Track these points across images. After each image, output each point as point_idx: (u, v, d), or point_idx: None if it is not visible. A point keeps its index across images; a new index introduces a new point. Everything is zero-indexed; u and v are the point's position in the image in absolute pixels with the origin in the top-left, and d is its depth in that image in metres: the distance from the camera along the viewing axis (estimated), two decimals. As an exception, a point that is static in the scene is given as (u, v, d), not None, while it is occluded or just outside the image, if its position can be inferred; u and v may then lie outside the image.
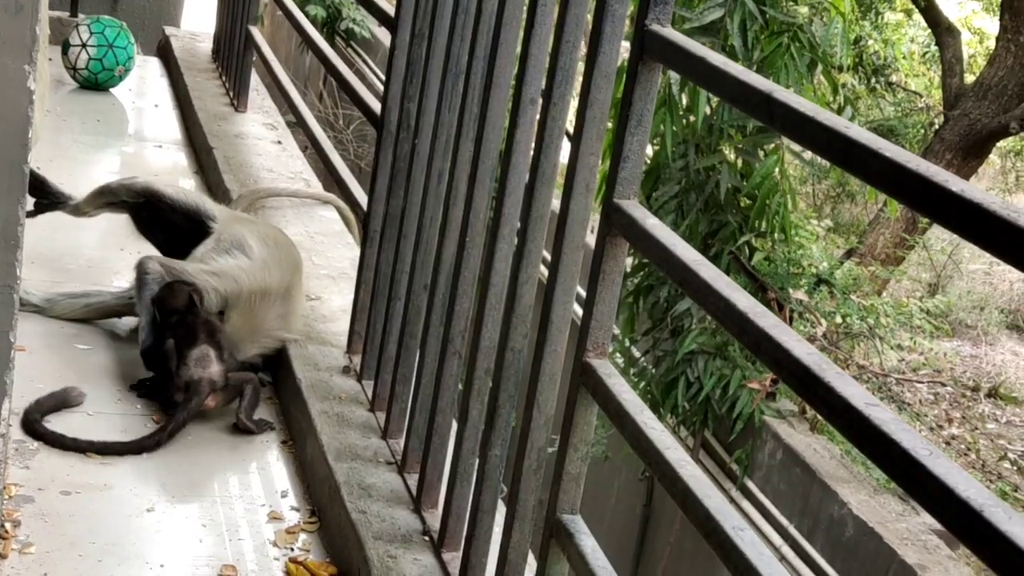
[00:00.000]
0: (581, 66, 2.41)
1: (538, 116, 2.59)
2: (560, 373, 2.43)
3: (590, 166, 2.35)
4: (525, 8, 2.75)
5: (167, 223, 4.12)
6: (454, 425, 2.94)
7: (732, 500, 7.62)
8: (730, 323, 1.88)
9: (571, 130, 2.40)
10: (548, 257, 2.44)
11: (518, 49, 2.82)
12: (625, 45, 2.29)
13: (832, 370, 1.68)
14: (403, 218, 3.39)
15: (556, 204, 2.43)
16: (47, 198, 4.29)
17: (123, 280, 4.19)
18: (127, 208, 4.19)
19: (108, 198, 4.21)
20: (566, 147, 2.46)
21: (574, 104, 2.45)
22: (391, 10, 3.72)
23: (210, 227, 4.02)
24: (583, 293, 2.28)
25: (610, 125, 2.58)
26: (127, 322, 4.00)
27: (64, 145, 5.64)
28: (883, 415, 1.57)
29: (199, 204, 4.16)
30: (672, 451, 2.03)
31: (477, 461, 2.74)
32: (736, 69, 1.95)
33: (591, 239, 2.30)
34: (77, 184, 4.52)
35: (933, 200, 1.50)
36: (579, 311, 2.29)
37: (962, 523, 1.40)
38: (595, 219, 2.51)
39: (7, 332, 2.22)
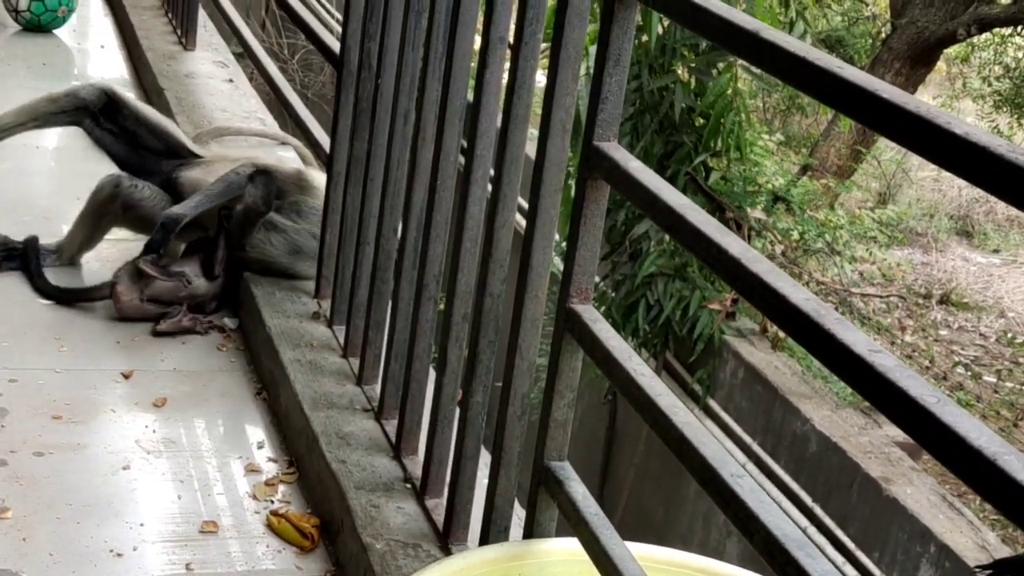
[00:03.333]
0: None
1: (509, 55, 2.53)
2: (542, 319, 2.40)
3: (566, 107, 2.30)
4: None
5: (131, 136, 4.03)
6: (431, 371, 2.91)
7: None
8: (722, 269, 1.85)
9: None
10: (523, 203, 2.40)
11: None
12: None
13: (831, 316, 1.65)
14: (368, 160, 3.33)
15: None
16: None
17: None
18: (79, 117, 4.06)
19: (50, 107, 4.07)
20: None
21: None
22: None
23: (191, 151, 4.01)
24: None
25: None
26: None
27: (10, 89, 5.50)
28: (887, 361, 1.54)
29: (171, 126, 4.10)
30: (664, 397, 2.01)
31: (458, 407, 2.71)
32: (719, 7, 1.90)
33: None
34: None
35: (935, 142, 1.47)
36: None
37: (975, 472, 1.38)
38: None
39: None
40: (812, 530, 6.72)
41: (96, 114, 4.03)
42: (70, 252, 4.01)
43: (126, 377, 3.42)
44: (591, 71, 2.18)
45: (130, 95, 4.09)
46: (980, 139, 1.40)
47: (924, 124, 1.48)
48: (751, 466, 7.41)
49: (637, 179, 2.07)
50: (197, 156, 4.06)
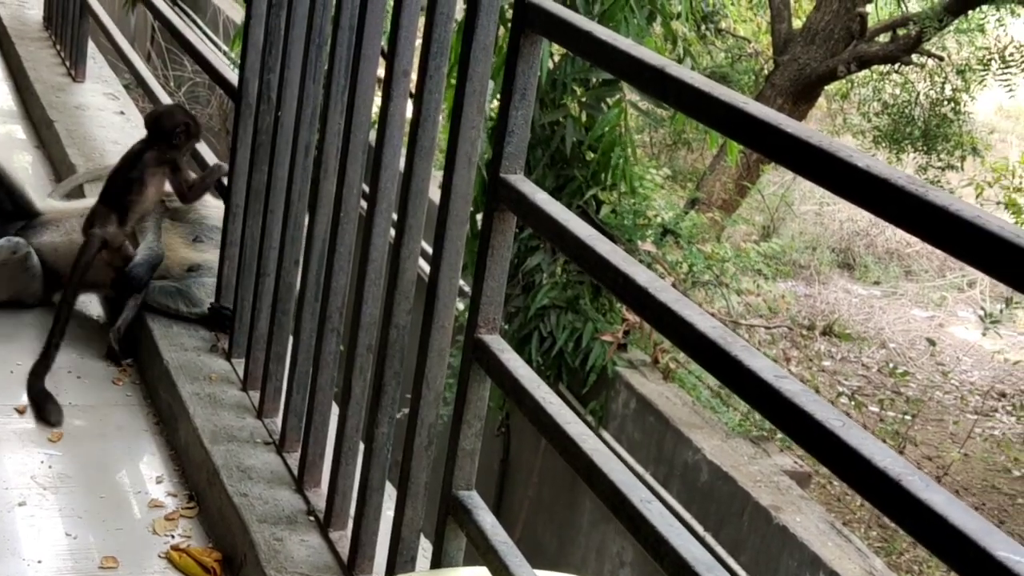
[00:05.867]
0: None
1: (412, 89, 2.56)
2: (448, 349, 2.42)
3: (472, 139, 2.34)
4: (393, -22, 2.70)
5: None
6: (334, 403, 2.91)
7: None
8: (630, 298, 1.89)
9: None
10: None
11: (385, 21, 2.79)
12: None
13: (738, 343, 1.70)
14: (268, 192, 3.33)
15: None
16: None
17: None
18: None
19: None
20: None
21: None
22: (243, -22, 3.63)
23: (36, 211, 4.01)
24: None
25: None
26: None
27: None
28: (793, 387, 1.59)
29: (21, 183, 4.09)
30: (573, 425, 2.04)
31: (363, 439, 2.71)
32: (625, 43, 1.95)
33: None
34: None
35: (838, 175, 1.52)
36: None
37: (880, 492, 1.43)
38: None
39: None
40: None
41: None
42: None
43: (20, 413, 3.36)
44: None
45: None
46: (881, 171, 1.46)
47: (826, 157, 1.54)
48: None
49: (545, 211, 2.10)
50: (38, 214, 4.04)
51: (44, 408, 3.37)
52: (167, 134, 3.77)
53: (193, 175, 3.86)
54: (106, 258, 3.73)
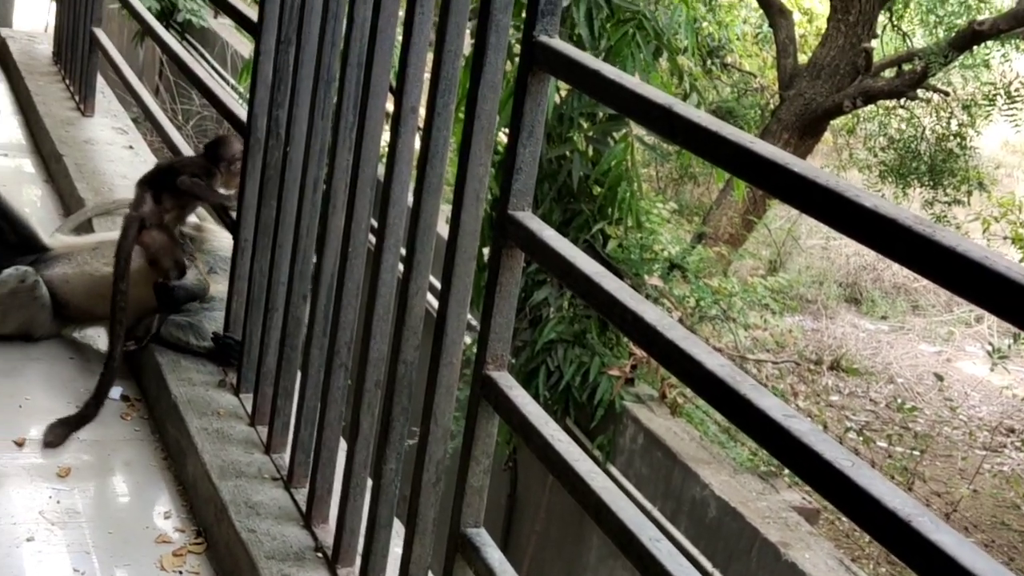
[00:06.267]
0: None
1: (420, 126, 2.57)
2: (456, 385, 2.43)
3: (479, 176, 2.34)
4: (402, 16, 2.72)
5: None
6: (342, 439, 2.91)
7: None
8: (638, 335, 1.90)
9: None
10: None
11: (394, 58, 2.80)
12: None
13: (747, 382, 1.70)
14: (277, 227, 3.34)
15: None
16: None
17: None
18: None
19: None
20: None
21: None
22: (252, 14, 3.66)
23: (42, 245, 4.03)
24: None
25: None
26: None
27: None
28: (802, 426, 1.59)
29: (27, 218, 4.12)
30: (582, 463, 2.04)
31: (371, 475, 2.71)
32: (632, 82, 1.96)
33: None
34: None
35: (846, 214, 1.53)
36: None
37: (890, 533, 1.43)
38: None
39: None
40: (712, 595, 6.77)
41: None
42: None
43: (19, 445, 3.37)
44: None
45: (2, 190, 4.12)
46: (888, 211, 1.46)
47: (833, 196, 1.54)
48: (650, 531, 7.44)
49: (553, 248, 2.11)
50: (47, 249, 4.07)
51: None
52: (219, 159, 3.87)
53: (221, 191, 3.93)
54: (149, 253, 3.76)
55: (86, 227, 4.59)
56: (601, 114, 7.79)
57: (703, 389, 1.75)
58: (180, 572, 2.95)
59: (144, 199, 3.84)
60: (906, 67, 12.52)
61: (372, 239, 2.78)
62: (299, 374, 3.16)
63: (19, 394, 3.66)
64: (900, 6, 13.84)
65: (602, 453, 7.92)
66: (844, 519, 9.46)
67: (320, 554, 2.84)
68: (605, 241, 7.94)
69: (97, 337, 4.08)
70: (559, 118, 7.75)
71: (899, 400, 11.96)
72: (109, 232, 4.37)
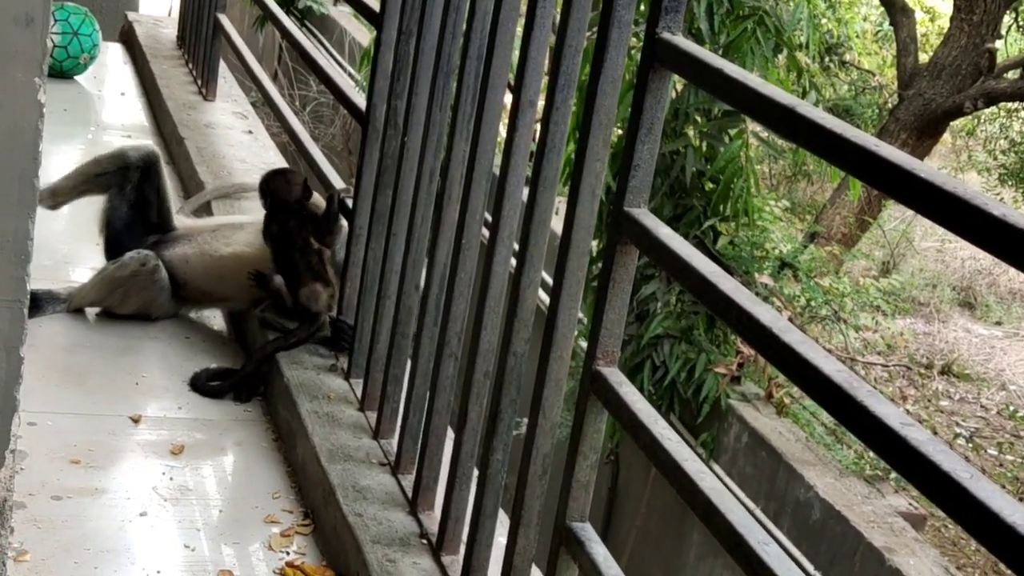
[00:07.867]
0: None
1: (539, 120, 2.57)
2: (566, 379, 2.43)
3: (596, 172, 2.34)
4: (523, 9, 2.73)
5: (143, 205, 4.12)
6: (449, 428, 2.93)
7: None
8: (753, 338, 1.88)
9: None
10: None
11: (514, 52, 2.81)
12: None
13: (864, 388, 1.68)
14: (392, 216, 3.37)
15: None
16: None
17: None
18: (117, 179, 4.14)
19: (103, 167, 4.16)
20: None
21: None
22: (374, 3, 3.69)
23: (174, 226, 4.12)
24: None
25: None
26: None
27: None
28: (920, 435, 1.57)
29: (174, 204, 4.21)
30: (691, 463, 2.03)
31: (477, 464, 2.73)
32: (755, 82, 1.95)
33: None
34: (47, 175, 4.45)
35: (973, 222, 1.50)
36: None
37: (1010, 549, 1.41)
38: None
39: (17, 347, 2.18)
40: (814, 599, 6.70)
41: (130, 178, 4.12)
42: (78, 303, 4.05)
43: (135, 421, 3.44)
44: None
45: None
46: (1018, 221, 1.43)
47: (961, 204, 1.52)
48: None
49: (668, 245, 2.10)
50: (173, 229, 4.17)
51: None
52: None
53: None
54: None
55: (205, 209, 4.67)
56: (716, 110, 7.74)
57: (818, 394, 1.73)
58: (287, 552, 3.00)
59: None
60: (1030, 69, 12.24)
61: (485, 232, 2.80)
62: (409, 362, 3.19)
63: (136, 371, 3.75)
64: (1026, 6, 13.53)
65: (706, 451, 7.87)
66: (951, 526, 9.30)
67: (425, 541, 2.87)
68: (715, 237, 7.89)
69: (212, 318, 4.16)
70: (674, 113, 7.71)
71: (1011, 407, 11.71)
72: (229, 215, 4.45)
